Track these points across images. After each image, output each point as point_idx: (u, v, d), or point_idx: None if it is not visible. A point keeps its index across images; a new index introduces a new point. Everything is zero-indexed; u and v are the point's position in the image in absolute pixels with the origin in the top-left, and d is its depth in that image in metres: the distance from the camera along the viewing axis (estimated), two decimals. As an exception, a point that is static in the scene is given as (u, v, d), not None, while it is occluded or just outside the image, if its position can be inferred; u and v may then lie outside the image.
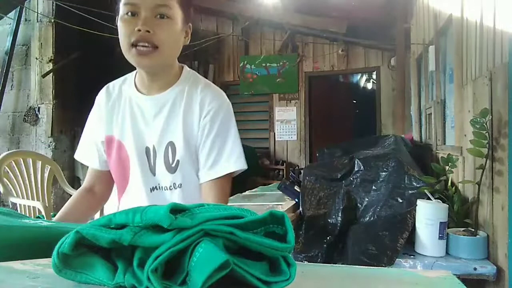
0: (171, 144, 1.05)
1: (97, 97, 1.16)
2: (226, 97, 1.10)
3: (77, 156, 1.19)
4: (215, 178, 1.04)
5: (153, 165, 1.07)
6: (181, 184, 1.06)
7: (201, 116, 1.04)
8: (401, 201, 2.16)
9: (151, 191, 1.08)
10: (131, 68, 1.13)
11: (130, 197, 1.11)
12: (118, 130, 1.09)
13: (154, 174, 1.07)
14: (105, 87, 1.15)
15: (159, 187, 1.07)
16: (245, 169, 1.06)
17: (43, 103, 4.12)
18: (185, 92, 1.06)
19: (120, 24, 0.98)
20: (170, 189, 1.07)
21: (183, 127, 1.04)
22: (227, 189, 1.07)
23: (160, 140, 1.05)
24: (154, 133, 1.06)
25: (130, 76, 1.13)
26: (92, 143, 1.15)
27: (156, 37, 0.95)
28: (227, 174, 1.04)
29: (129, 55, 0.98)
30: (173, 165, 1.05)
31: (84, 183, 1.20)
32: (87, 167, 1.20)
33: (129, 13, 0.96)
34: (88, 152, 1.16)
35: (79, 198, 1.17)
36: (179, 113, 1.05)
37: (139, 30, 0.94)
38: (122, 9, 0.97)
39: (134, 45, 0.95)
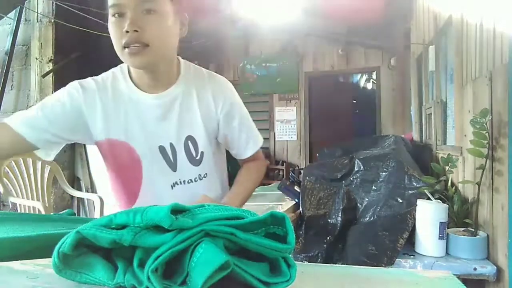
0: (190, 138, 1.07)
1: (77, 86, 1.03)
2: (228, 81, 1.16)
3: (18, 127, 0.98)
4: (255, 153, 1.19)
5: (173, 161, 1.07)
6: (206, 174, 1.11)
7: (218, 106, 1.09)
8: (401, 201, 2.16)
9: (172, 188, 1.09)
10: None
11: (148, 198, 1.08)
12: (123, 132, 1.04)
13: (175, 170, 1.08)
14: (90, 81, 1.04)
15: (181, 181, 1.09)
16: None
17: (43, 103, 4.12)
18: (193, 86, 1.07)
19: (109, 27, 0.96)
20: (195, 181, 1.10)
21: (202, 119, 1.07)
22: (260, 151, 1.23)
23: (178, 136, 1.06)
24: (168, 131, 1.05)
25: (118, 72, 1.07)
26: (48, 132, 1.00)
27: (145, 35, 0.93)
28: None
29: (123, 57, 0.97)
30: (198, 157, 1.09)
31: None
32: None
33: (116, 15, 0.94)
34: (39, 134, 1.00)
35: None
36: (193, 106, 1.07)
37: (127, 32, 0.92)
38: (109, 11, 0.95)
39: (125, 46, 0.94)
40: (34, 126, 0.99)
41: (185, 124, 1.06)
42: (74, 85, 1.05)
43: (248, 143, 1.18)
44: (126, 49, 0.94)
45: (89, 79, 1.06)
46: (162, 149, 1.06)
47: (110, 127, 1.04)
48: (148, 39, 0.93)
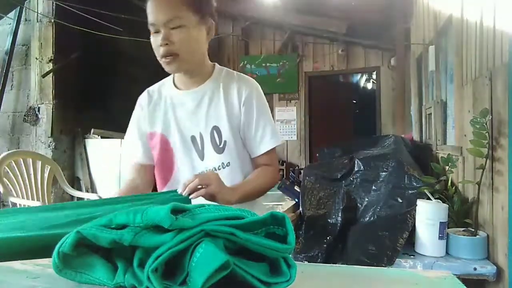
0: (216, 128, 1.23)
1: (139, 100, 1.34)
2: (256, 83, 1.29)
3: (126, 154, 1.38)
4: (267, 151, 1.25)
5: (201, 149, 1.23)
6: (229, 163, 1.23)
7: (241, 101, 1.23)
8: (401, 201, 2.16)
9: None
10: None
11: (177, 184, 1.21)
12: (161, 126, 1.26)
13: (203, 159, 1.23)
14: (145, 91, 1.34)
15: (207, 170, 1.23)
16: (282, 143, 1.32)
17: (43, 103, 4.11)
18: (222, 83, 1.25)
19: (151, 41, 1.17)
20: (218, 169, 1.22)
21: (226, 112, 1.22)
22: (276, 158, 1.32)
23: (206, 126, 1.23)
24: (198, 121, 1.23)
25: (167, 80, 1.33)
26: (136, 139, 1.31)
27: (175, 47, 1.14)
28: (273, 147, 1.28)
29: (162, 64, 1.18)
30: (221, 146, 1.23)
31: (128, 182, 1.32)
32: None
33: (154, 32, 1.15)
34: (133, 148, 1.32)
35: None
36: (219, 101, 1.23)
37: (161, 45, 1.13)
38: (149, 28, 1.16)
39: (162, 57, 1.15)
40: (147, 148, 1.30)
41: (212, 116, 1.23)
42: (137, 104, 1.33)
43: (263, 138, 1.25)
44: (163, 59, 1.15)
45: (145, 92, 1.34)
46: (193, 139, 1.24)
47: (152, 123, 1.28)
48: (177, 50, 1.14)
